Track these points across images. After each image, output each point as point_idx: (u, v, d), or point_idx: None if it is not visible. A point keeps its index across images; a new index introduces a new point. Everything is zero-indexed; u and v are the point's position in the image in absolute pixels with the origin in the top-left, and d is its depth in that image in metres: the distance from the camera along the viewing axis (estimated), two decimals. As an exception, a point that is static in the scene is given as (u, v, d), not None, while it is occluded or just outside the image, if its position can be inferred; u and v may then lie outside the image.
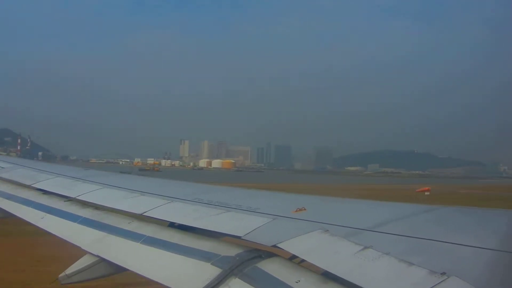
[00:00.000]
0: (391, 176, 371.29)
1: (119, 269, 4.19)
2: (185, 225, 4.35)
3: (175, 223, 4.50)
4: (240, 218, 4.20)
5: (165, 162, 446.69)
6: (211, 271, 3.32)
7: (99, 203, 5.65)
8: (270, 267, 3.19)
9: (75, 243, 4.67)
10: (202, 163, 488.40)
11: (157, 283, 3.50)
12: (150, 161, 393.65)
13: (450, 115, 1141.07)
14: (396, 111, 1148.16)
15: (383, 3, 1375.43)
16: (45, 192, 6.61)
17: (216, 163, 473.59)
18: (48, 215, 5.68)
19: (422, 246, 3.01)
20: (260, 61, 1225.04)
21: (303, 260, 3.21)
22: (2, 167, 8.80)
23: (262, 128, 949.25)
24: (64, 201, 6.03)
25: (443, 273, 2.46)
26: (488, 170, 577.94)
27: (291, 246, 3.32)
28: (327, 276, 2.90)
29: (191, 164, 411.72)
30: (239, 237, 3.76)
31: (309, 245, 3.32)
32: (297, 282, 2.91)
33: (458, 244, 2.93)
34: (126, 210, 5.15)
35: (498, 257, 2.72)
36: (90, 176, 7.39)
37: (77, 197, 5.99)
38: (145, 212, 4.85)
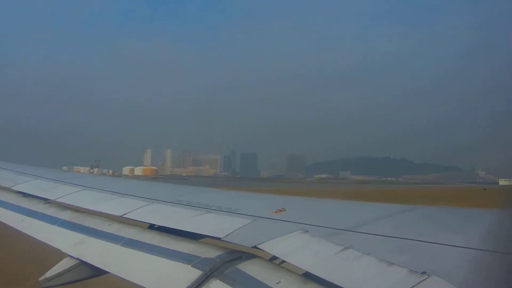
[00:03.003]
0: (354, 183, 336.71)
1: (100, 272, 4.14)
2: (165, 227, 4.33)
3: (155, 225, 4.50)
4: (220, 220, 4.21)
5: (96, 171, 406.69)
6: (191, 273, 3.32)
7: (79, 205, 5.65)
8: (251, 268, 3.20)
9: (54, 246, 4.65)
10: (125, 170, 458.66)
11: (137, 285, 3.49)
12: (77, 168, 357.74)
13: (427, 121, 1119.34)
14: (373, 117, 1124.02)
15: (371, 10, 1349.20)
16: (24, 194, 6.59)
17: (138, 170, 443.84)
18: (27, 217, 5.66)
19: (403, 246, 3.01)
20: (241, 67, 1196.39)
21: (283, 261, 3.22)
22: None
23: (233, 136, 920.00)
24: (44, 203, 6.01)
25: (424, 273, 2.47)
26: (465, 176, 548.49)
27: (271, 247, 3.33)
28: (308, 276, 2.91)
29: (110, 172, 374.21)
30: (219, 239, 3.77)
31: (290, 246, 3.32)
32: (277, 283, 2.92)
33: (440, 243, 2.94)
34: (106, 212, 5.12)
35: (480, 256, 2.72)
36: (69, 178, 7.33)
37: (57, 199, 5.99)
38: (125, 214, 4.83)
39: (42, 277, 4.26)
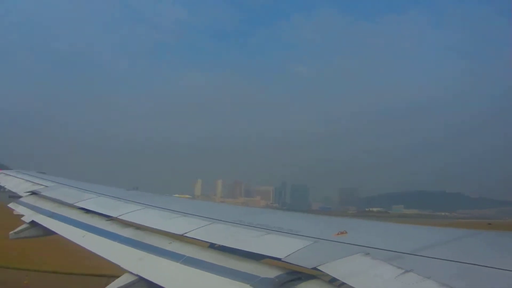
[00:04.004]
0: (407, 217, 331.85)
1: None
2: (225, 247, 4.33)
3: (215, 244, 4.51)
4: (281, 241, 4.18)
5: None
6: None
7: (141, 223, 5.72)
8: None
9: (115, 262, 4.73)
10: None
11: None
12: None
13: (484, 154, 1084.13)
14: (428, 150, 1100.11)
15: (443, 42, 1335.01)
16: (87, 211, 6.76)
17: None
18: (89, 233, 5.81)
19: (465, 271, 2.93)
20: (300, 103, 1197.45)
21: (343, 283, 3.18)
22: (46, 186, 9.06)
23: (287, 169, 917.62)
24: (106, 220, 6.16)
25: None
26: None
27: (331, 268, 3.28)
28: None
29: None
30: (279, 259, 3.75)
31: (350, 268, 3.27)
32: None
33: (503, 269, 2.84)
34: (168, 231, 5.17)
35: None
36: (132, 196, 7.47)
37: (119, 217, 6.10)
38: (186, 233, 4.85)
39: None
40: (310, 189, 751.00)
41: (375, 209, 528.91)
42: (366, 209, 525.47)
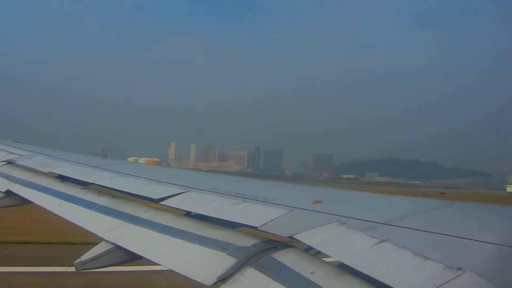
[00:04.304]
0: (380, 184, 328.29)
1: (135, 257, 4.23)
2: (202, 215, 4.39)
3: (191, 212, 4.56)
4: (256, 209, 4.22)
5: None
6: (226, 261, 3.33)
7: (117, 188, 5.80)
8: (286, 258, 3.19)
9: (91, 230, 4.76)
10: (130, 160, 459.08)
11: (172, 271, 3.58)
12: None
13: (461, 125, 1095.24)
14: (407, 120, 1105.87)
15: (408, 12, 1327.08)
16: (62, 179, 6.75)
17: (142, 161, 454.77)
18: (65, 202, 5.80)
19: (440, 241, 2.99)
20: (277, 69, 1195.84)
21: (319, 252, 3.23)
22: (21, 155, 8.98)
23: (261, 134, 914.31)
24: (81, 188, 6.14)
25: (459, 268, 2.45)
26: (494, 182, 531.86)
27: (307, 237, 3.33)
28: (343, 268, 2.90)
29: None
30: (255, 228, 3.77)
31: (325, 237, 3.32)
32: (312, 273, 2.92)
33: (476, 240, 2.90)
34: (143, 195, 5.26)
35: None
36: (108, 165, 7.47)
37: (95, 182, 6.15)
38: (162, 200, 4.92)
39: (78, 260, 4.33)
40: (284, 155, 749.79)
41: (349, 176, 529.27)
42: (340, 176, 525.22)
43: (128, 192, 5.52)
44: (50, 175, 7.11)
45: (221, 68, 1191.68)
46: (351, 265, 2.80)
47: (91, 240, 4.58)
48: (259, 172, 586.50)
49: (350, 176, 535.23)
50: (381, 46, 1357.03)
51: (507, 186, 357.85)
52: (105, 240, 4.44)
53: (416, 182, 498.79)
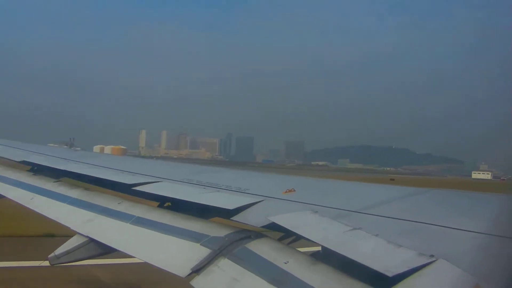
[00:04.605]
0: (350, 171, 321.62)
1: (109, 250, 4.21)
2: (175, 203, 4.46)
3: (164, 203, 4.62)
4: (229, 199, 4.24)
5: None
6: (200, 252, 3.35)
7: (89, 174, 5.84)
8: (259, 247, 3.20)
9: (64, 224, 4.72)
10: (96, 149, 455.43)
11: (146, 263, 3.57)
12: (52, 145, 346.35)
13: (434, 113, 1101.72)
14: (379, 107, 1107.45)
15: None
16: (34, 173, 6.77)
17: (108, 149, 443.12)
18: (37, 195, 5.75)
19: (412, 229, 3.01)
20: (245, 55, 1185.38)
21: (292, 242, 3.32)
22: None
23: (233, 121, 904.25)
24: (54, 181, 6.10)
25: (431, 255, 2.47)
26: (466, 169, 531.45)
27: (281, 219, 3.36)
28: (316, 257, 2.93)
29: (78, 149, 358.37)
30: (228, 210, 3.82)
31: (299, 221, 3.36)
32: (285, 263, 2.94)
33: (449, 227, 2.93)
34: (117, 181, 5.27)
35: (488, 241, 2.71)
36: (79, 157, 7.52)
37: (68, 170, 6.24)
38: (135, 186, 4.95)
39: (52, 254, 4.31)
40: (255, 142, 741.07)
41: (321, 163, 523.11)
42: (312, 163, 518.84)
43: (101, 179, 5.49)
44: (22, 168, 7.01)
45: (194, 54, 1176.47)
46: (326, 245, 2.82)
47: (67, 232, 4.52)
48: (230, 159, 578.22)
49: (320, 163, 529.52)
50: (354, 31, 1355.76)
51: (473, 172, 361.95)
52: (79, 233, 4.40)
53: (388, 168, 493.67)
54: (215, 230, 3.63)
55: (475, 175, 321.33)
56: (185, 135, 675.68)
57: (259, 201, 3.97)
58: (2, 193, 6.18)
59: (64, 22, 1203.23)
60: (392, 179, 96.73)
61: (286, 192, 4.11)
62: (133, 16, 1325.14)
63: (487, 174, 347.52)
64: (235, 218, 3.74)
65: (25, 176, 6.62)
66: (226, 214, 3.88)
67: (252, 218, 3.63)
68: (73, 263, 4.37)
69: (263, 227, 3.44)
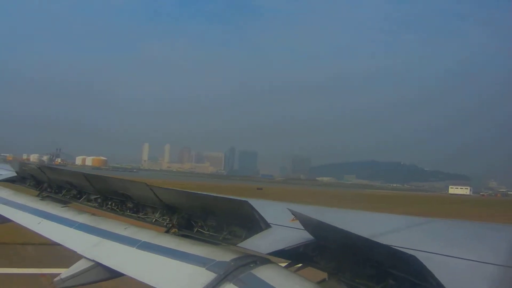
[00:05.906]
0: (356, 187, 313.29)
1: (115, 274, 4.20)
2: (181, 232, 4.45)
3: (170, 230, 4.61)
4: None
5: (57, 161, 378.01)
6: (206, 276, 3.32)
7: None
8: (265, 273, 3.17)
9: (71, 248, 4.74)
10: (78, 160, 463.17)
11: (152, 287, 3.59)
12: (34, 157, 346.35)
13: (441, 128, 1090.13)
14: (386, 122, 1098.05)
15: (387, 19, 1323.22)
16: (42, 198, 6.79)
17: (89, 160, 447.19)
18: (44, 220, 5.78)
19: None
20: (252, 69, 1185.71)
21: (298, 269, 3.33)
22: None
23: (236, 135, 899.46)
24: (61, 206, 6.15)
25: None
26: (473, 185, 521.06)
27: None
28: (322, 285, 2.93)
29: (58, 160, 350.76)
30: (234, 244, 3.84)
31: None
32: None
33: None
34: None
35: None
36: None
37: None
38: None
39: (57, 278, 4.32)
40: (259, 156, 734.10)
41: (326, 179, 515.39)
42: (317, 178, 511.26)
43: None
44: (30, 192, 7.03)
45: (202, 69, 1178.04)
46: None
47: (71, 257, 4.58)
48: (233, 173, 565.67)
49: (325, 179, 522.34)
50: (364, 47, 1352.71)
51: (450, 187, 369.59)
52: (85, 257, 4.41)
53: (394, 185, 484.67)
54: (221, 255, 3.63)
55: (452, 189, 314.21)
56: (188, 149, 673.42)
57: (266, 228, 3.92)
58: (10, 217, 6.23)
59: (72, 35, 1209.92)
60: (259, 188, 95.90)
61: (293, 220, 4.00)
62: (142, 32, 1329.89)
63: (465, 189, 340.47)
64: (241, 244, 3.73)
65: (32, 200, 6.57)
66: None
67: (259, 245, 3.62)
68: (78, 287, 4.37)
69: (269, 253, 3.40)
